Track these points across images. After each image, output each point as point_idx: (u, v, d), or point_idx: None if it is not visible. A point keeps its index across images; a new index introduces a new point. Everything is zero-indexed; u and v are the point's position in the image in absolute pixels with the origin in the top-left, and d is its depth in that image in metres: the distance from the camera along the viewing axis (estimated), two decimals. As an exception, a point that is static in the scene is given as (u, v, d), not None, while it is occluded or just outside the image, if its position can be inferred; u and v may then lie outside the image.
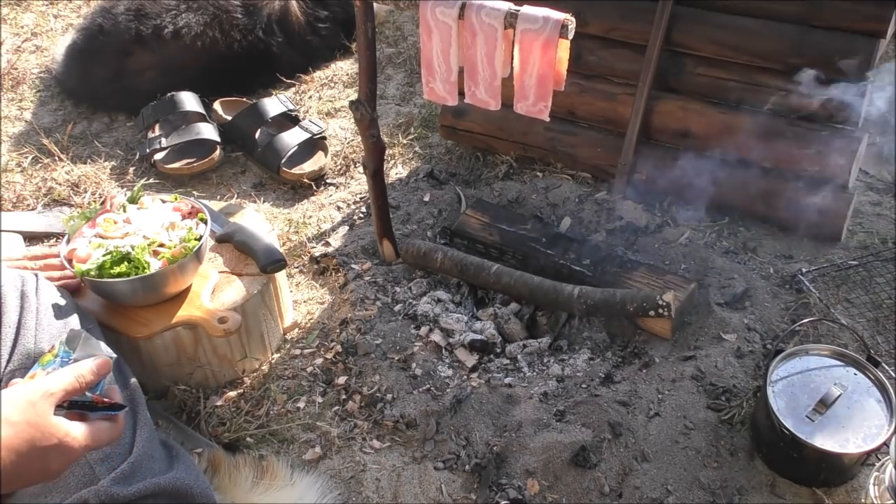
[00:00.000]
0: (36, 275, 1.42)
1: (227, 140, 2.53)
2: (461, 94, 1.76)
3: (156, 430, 1.36)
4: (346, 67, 2.99)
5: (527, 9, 1.56)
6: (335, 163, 2.49)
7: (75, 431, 0.91)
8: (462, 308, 1.93)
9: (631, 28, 2.12)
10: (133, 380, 1.40)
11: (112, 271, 1.52)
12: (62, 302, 1.40)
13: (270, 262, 1.74)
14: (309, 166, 2.42)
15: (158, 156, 2.44)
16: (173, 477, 1.24)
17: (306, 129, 2.46)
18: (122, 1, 2.70)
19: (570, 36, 1.54)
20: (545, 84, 1.61)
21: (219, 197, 2.37)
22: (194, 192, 2.36)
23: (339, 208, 2.31)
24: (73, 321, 1.36)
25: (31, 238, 2.13)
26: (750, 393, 1.64)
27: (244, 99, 2.68)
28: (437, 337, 1.81)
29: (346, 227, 2.22)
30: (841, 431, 1.44)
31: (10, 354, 1.23)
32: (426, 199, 2.30)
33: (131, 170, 2.43)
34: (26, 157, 2.46)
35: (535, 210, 2.22)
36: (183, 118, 2.52)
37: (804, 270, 1.95)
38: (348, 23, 2.97)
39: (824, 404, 1.47)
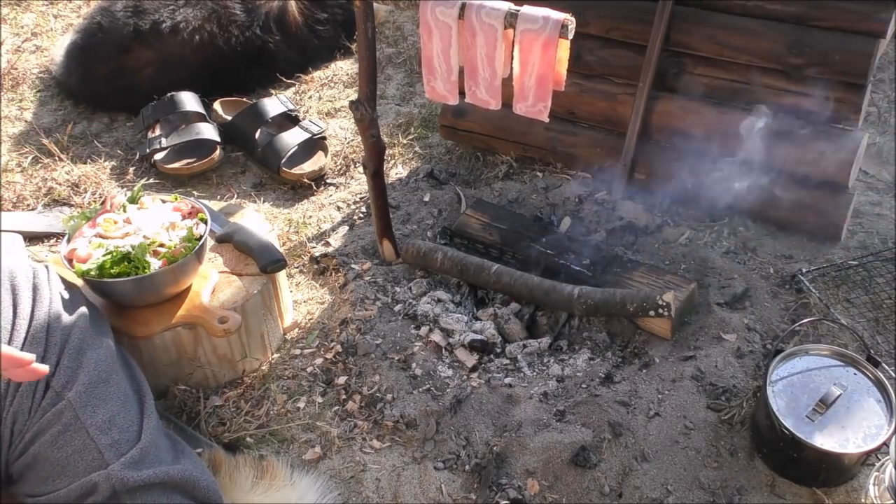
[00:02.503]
0: (47, 266, 1.42)
1: (227, 140, 2.53)
2: (462, 93, 1.76)
3: (160, 421, 1.36)
4: (346, 67, 2.99)
5: (527, 9, 1.56)
6: (335, 163, 2.49)
7: None
8: (462, 308, 1.93)
9: (631, 28, 2.12)
10: (138, 369, 1.41)
11: (112, 271, 1.52)
12: (70, 294, 1.40)
13: (270, 262, 1.74)
14: (309, 166, 2.42)
15: (158, 156, 2.44)
16: (182, 469, 1.25)
17: (306, 129, 2.46)
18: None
19: (570, 36, 1.55)
20: (545, 84, 1.61)
21: (219, 197, 2.37)
22: (194, 192, 2.36)
23: (339, 208, 2.31)
24: (82, 311, 1.37)
25: (31, 238, 2.13)
26: (750, 393, 1.64)
27: (244, 99, 2.68)
28: (437, 337, 1.81)
29: (346, 227, 2.22)
30: (841, 431, 1.44)
31: (23, 345, 1.24)
32: (426, 199, 2.30)
33: (131, 170, 2.43)
34: (26, 157, 2.46)
35: (535, 210, 2.22)
36: (183, 118, 2.53)
37: (804, 270, 1.95)
38: (348, 23, 2.97)
39: (824, 404, 1.47)
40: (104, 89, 2.70)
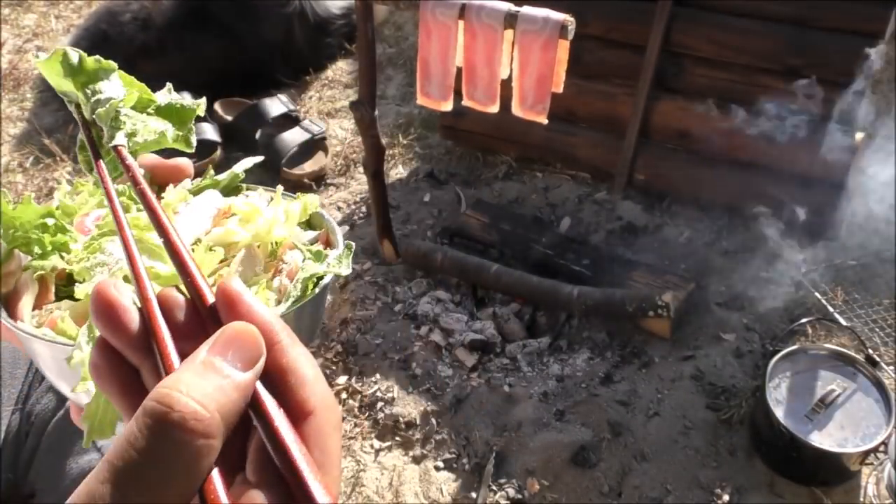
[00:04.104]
0: None
1: (227, 140, 2.53)
2: (458, 96, 1.76)
3: None
4: (346, 67, 3.00)
5: (527, 9, 1.56)
6: (335, 163, 2.49)
7: None
8: (462, 308, 1.93)
9: (631, 28, 2.12)
10: None
11: None
12: None
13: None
14: (309, 166, 2.42)
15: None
16: None
17: (307, 130, 2.47)
18: (124, 2, 2.71)
19: (570, 37, 1.55)
20: (544, 85, 1.61)
21: (219, 197, 2.37)
22: (195, 193, 2.37)
23: (339, 208, 2.31)
24: None
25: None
26: (749, 393, 1.64)
27: (245, 99, 2.68)
28: (437, 337, 1.82)
29: (346, 227, 2.22)
30: (840, 431, 1.45)
31: None
32: (426, 199, 2.30)
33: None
34: (28, 158, 2.47)
35: (535, 210, 2.22)
36: (183, 118, 2.53)
37: (804, 270, 1.95)
38: (349, 27, 2.99)
39: (823, 404, 1.48)
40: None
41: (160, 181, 0.58)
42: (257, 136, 2.47)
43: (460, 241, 2.09)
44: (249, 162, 0.60)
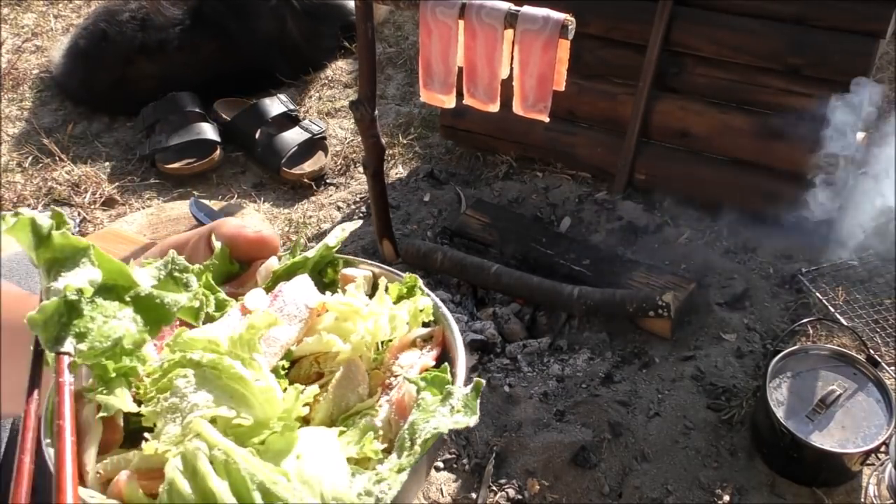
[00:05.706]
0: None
1: (227, 140, 2.53)
2: (459, 95, 1.75)
3: None
4: (346, 67, 2.99)
5: (527, 9, 1.56)
6: (335, 163, 2.49)
7: None
8: (462, 308, 1.93)
9: (631, 28, 2.12)
10: None
11: None
12: None
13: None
14: (309, 166, 2.42)
15: (158, 156, 2.44)
16: None
17: (306, 129, 2.46)
18: (122, 1, 2.70)
19: (571, 36, 1.54)
20: (545, 84, 1.61)
21: (219, 197, 2.37)
22: (194, 192, 2.36)
23: (339, 208, 2.31)
24: None
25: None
26: (750, 393, 1.64)
27: (244, 99, 2.68)
28: (437, 337, 1.81)
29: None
30: (841, 431, 1.44)
31: None
32: (426, 199, 2.30)
33: (131, 169, 2.43)
34: (27, 157, 2.46)
35: (535, 210, 2.22)
36: (183, 118, 2.53)
37: (804, 270, 1.95)
38: (348, 26, 2.98)
39: (824, 404, 1.48)
40: (105, 95, 2.70)
41: (240, 256, 0.52)
42: (257, 135, 2.47)
43: (460, 241, 2.09)
44: (339, 231, 0.54)
